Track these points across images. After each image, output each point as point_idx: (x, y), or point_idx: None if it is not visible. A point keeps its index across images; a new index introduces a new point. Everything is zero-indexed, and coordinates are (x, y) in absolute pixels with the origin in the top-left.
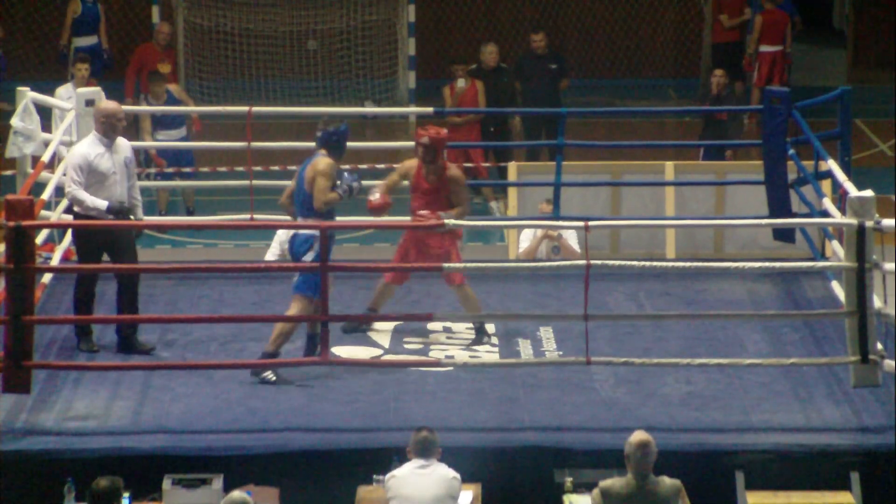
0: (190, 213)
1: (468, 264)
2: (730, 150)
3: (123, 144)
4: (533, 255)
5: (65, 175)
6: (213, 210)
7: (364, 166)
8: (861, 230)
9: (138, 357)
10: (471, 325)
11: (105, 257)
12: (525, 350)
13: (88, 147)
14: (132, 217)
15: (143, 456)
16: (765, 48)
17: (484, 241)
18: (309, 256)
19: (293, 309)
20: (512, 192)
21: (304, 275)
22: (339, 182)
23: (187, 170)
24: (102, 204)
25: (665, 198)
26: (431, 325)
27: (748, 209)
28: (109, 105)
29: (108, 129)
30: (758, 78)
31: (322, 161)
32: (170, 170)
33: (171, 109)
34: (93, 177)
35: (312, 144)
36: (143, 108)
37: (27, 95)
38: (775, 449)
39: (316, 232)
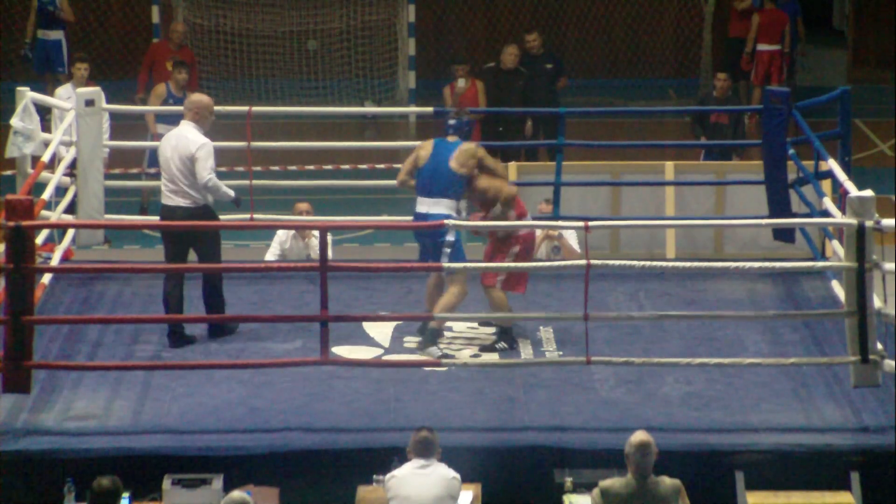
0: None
1: (468, 264)
2: (735, 154)
3: None
4: (533, 255)
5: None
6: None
7: (364, 166)
8: (861, 230)
9: (140, 356)
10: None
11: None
12: (525, 350)
13: (204, 138)
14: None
15: (143, 456)
16: (762, 47)
17: (483, 241)
18: (450, 237)
19: (455, 285)
20: None
21: (452, 255)
22: None
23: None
24: (232, 193)
25: (665, 198)
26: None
27: (748, 209)
28: (205, 98)
29: (206, 120)
30: (755, 77)
31: (472, 146)
32: (156, 170)
33: (170, 109)
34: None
35: (312, 144)
36: (142, 107)
37: (27, 95)
38: (775, 449)
39: (447, 210)
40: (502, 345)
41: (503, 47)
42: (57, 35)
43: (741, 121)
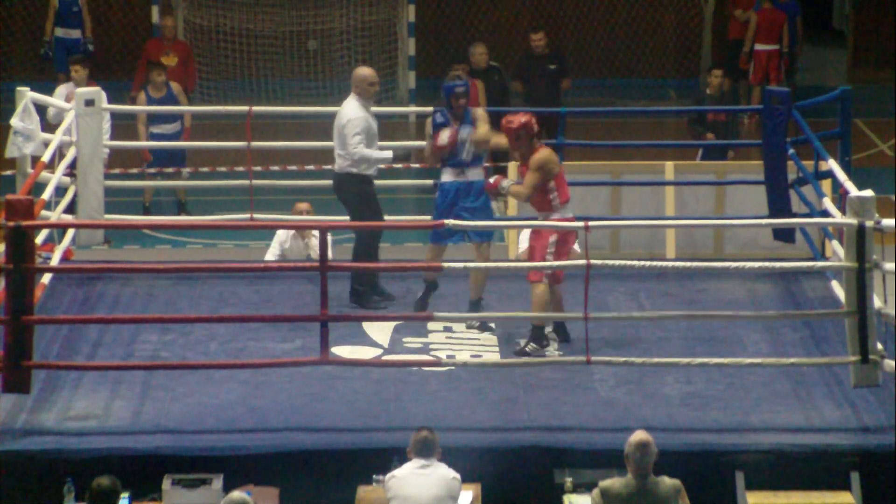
0: (182, 208)
1: (468, 264)
2: (731, 151)
3: None
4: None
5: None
6: (212, 210)
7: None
8: (861, 230)
9: (140, 356)
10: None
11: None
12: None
13: (361, 111)
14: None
15: (143, 456)
16: (760, 46)
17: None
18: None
19: (428, 254)
20: None
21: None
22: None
23: (174, 170)
24: (389, 154)
25: (665, 198)
26: (431, 325)
27: (748, 209)
28: (368, 70)
29: (367, 92)
30: (752, 76)
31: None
32: (156, 170)
33: (167, 109)
34: (367, 138)
35: (312, 144)
36: (140, 107)
37: (27, 95)
38: (775, 449)
39: (442, 180)
40: (532, 346)
41: (471, 49)
42: (77, 34)
43: (737, 119)
